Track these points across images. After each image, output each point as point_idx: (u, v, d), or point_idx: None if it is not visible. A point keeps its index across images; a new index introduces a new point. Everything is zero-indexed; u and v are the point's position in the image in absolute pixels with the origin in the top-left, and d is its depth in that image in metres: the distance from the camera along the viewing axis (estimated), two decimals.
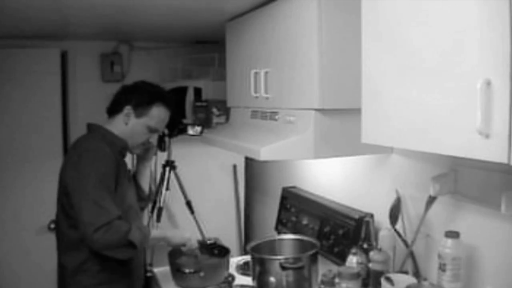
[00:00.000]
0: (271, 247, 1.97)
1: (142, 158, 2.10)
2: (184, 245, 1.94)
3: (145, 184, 2.11)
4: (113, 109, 1.89)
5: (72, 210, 1.70)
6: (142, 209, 2.16)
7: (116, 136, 1.85)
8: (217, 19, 2.34)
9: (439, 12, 1.10)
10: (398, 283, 1.53)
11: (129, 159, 2.05)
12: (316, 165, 2.37)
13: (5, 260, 2.85)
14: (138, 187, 2.08)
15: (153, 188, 2.22)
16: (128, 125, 1.85)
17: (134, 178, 2.09)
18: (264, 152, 1.66)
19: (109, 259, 1.71)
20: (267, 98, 1.94)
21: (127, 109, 1.84)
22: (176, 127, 2.54)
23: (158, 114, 1.88)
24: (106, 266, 1.76)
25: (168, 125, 2.64)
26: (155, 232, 1.91)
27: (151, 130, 1.89)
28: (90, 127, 1.89)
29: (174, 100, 1.97)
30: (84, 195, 1.65)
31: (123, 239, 1.65)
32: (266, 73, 1.93)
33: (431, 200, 1.57)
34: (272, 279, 1.74)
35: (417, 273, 1.64)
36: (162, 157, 2.65)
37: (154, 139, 2.00)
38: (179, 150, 2.72)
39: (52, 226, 2.59)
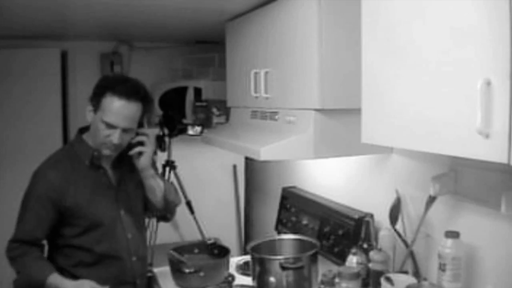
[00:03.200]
0: (271, 247, 1.97)
1: (137, 167, 1.82)
2: None
3: (153, 196, 1.86)
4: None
5: None
6: (162, 218, 2.05)
7: (82, 144, 1.76)
8: (217, 19, 2.34)
9: (439, 12, 1.10)
10: (398, 283, 1.53)
11: None
12: (316, 165, 2.37)
13: (4, 260, 2.85)
14: (146, 198, 1.88)
15: (171, 197, 1.95)
16: (91, 124, 1.73)
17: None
18: (264, 152, 1.66)
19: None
20: (267, 98, 1.94)
21: (88, 106, 1.72)
22: (176, 127, 2.55)
23: (109, 106, 1.66)
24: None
25: (168, 125, 2.63)
26: (51, 280, 1.63)
27: (108, 125, 1.67)
28: (72, 138, 1.87)
29: (133, 90, 1.70)
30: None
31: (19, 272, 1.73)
32: (266, 73, 1.93)
33: (431, 200, 1.57)
34: (272, 279, 1.74)
35: (417, 273, 1.64)
36: (162, 157, 2.65)
37: (115, 138, 1.68)
38: (179, 150, 2.73)
39: None
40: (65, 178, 1.71)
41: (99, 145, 1.71)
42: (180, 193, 2.70)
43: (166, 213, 2.00)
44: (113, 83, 1.70)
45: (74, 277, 1.68)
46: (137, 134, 1.78)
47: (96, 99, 1.69)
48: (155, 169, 1.97)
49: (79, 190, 1.72)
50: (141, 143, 1.78)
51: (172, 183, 2.23)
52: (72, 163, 1.74)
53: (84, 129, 1.81)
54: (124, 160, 1.81)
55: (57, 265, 1.71)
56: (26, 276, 1.70)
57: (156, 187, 1.86)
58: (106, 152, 1.72)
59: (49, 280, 1.62)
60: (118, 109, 1.66)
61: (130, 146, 1.77)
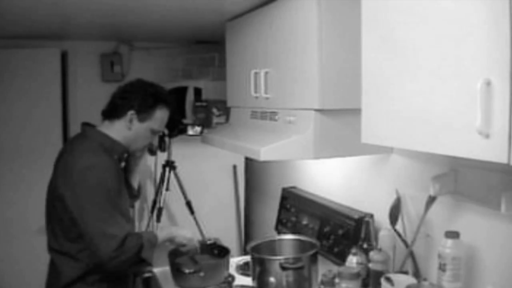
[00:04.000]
0: (271, 247, 1.97)
1: (134, 156, 1.99)
2: (184, 245, 1.92)
3: (135, 181, 2.07)
4: (113, 114, 1.80)
5: (72, 225, 1.66)
6: (132, 206, 2.17)
7: (115, 142, 1.79)
8: (217, 19, 2.34)
9: (439, 12, 1.10)
10: (398, 283, 1.53)
11: None
12: (316, 165, 2.37)
13: (5, 260, 2.85)
14: (128, 185, 2.01)
15: (142, 184, 2.19)
16: (131, 130, 1.79)
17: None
18: (264, 152, 1.66)
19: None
20: (267, 98, 1.94)
21: (130, 114, 1.77)
22: (176, 127, 2.54)
23: (162, 116, 1.83)
24: (105, 276, 1.74)
25: (168, 125, 2.63)
26: (160, 235, 1.82)
27: (154, 132, 1.86)
28: (86, 129, 1.81)
29: (174, 98, 1.94)
30: (91, 219, 1.62)
31: (135, 257, 1.66)
32: (266, 73, 1.93)
33: (431, 200, 1.57)
34: (272, 279, 1.74)
35: (417, 273, 1.64)
36: (162, 157, 2.65)
37: (155, 140, 2.00)
38: (179, 150, 2.72)
39: None
40: (114, 170, 1.75)
41: (138, 149, 1.89)
42: (180, 193, 2.71)
43: (136, 199, 2.19)
44: (164, 95, 1.85)
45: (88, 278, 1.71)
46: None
47: (147, 110, 1.78)
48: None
49: (121, 185, 1.80)
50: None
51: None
52: (108, 157, 1.75)
53: (90, 129, 1.81)
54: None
55: (83, 266, 1.69)
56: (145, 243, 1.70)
57: (138, 172, 2.10)
58: (138, 154, 1.95)
59: (160, 236, 1.81)
60: (166, 118, 1.86)
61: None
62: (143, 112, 1.77)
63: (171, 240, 1.87)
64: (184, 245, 1.92)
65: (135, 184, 2.07)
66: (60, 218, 1.71)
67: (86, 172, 1.64)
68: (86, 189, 1.63)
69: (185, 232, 1.91)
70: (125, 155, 1.85)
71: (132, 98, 1.77)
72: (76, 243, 1.68)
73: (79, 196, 1.63)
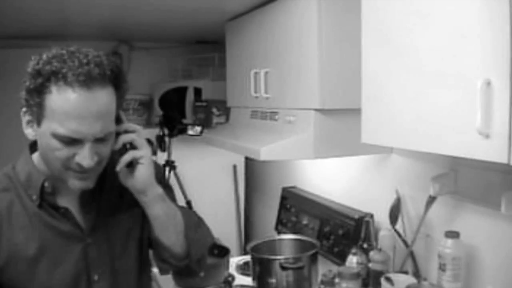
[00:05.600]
0: (271, 247, 1.97)
1: (130, 189, 1.11)
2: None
3: (163, 230, 1.15)
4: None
5: None
6: (187, 273, 1.21)
7: (34, 170, 1.10)
8: (217, 19, 2.34)
9: (439, 12, 1.10)
10: (398, 283, 1.53)
11: None
12: (316, 165, 2.37)
13: None
14: (154, 240, 1.18)
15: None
16: (38, 142, 1.06)
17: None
18: (264, 152, 1.66)
19: None
20: (267, 98, 1.94)
21: (23, 114, 1.06)
22: (176, 127, 2.54)
23: (61, 107, 0.96)
24: None
25: (168, 125, 2.62)
26: None
27: (66, 141, 0.98)
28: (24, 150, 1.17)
29: (94, 69, 0.97)
30: None
31: None
32: (266, 73, 1.93)
33: (431, 200, 1.57)
34: (272, 279, 1.74)
35: (417, 273, 1.64)
36: (162, 157, 2.65)
37: (82, 156, 1.00)
38: (179, 150, 2.72)
39: None
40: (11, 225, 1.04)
41: (59, 174, 1.04)
42: (180, 193, 2.71)
43: (191, 264, 1.24)
44: (53, 66, 0.97)
45: None
46: (117, 134, 1.08)
47: (35, 100, 0.99)
48: (165, 185, 1.23)
49: (18, 247, 1.04)
50: (131, 146, 1.09)
51: (194, 213, 1.49)
52: (11, 201, 1.07)
53: (23, 152, 1.17)
54: (104, 185, 1.14)
55: None
56: None
57: (170, 216, 1.16)
58: (75, 184, 1.04)
59: None
60: (77, 108, 0.96)
61: (114, 157, 1.09)
62: (34, 106, 1.00)
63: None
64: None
65: (169, 242, 1.16)
66: None
67: None
68: None
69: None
70: (46, 184, 1.07)
71: (23, 89, 1.03)
72: None
73: None
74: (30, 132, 1.05)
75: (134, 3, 2.01)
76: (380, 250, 1.69)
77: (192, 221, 1.27)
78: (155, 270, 2.20)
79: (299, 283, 1.73)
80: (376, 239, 1.79)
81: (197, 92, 2.71)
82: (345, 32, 1.63)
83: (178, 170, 2.70)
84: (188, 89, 2.75)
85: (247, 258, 2.11)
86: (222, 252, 2.09)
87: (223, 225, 3.00)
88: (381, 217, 1.81)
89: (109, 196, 1.16)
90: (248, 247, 1.88)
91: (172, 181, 2.70)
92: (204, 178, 2.96)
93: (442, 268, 1.45)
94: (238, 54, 2.25)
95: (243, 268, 2.19)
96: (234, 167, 3.07)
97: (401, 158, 1.79)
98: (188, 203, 2.72)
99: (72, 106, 0.95)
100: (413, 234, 1.64)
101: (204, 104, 2.63)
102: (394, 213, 1.70)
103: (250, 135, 1.98)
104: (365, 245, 1.77)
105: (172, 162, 2.69)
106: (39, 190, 1.06)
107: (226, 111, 2.52)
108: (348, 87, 1.62)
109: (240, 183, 3.09)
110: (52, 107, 0.96)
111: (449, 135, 1.08)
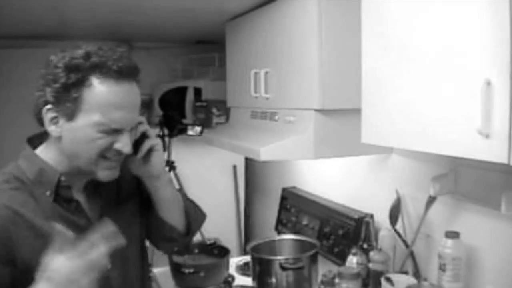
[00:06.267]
0: (271, 247, 1.97)
1: (143, 175, 1.22)
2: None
3: (170, 211, 1.28)
4: (39, 120, 1.11)
5: None
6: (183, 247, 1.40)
7: (46, 167, 1.11)
8: (217, 19, 2.34)
9: (439, 13, 1.10)
10: (398, 283, 1.53)
11: None
12: (316, 165, 2.37)
13: None
14: (160, 222, 1.27)
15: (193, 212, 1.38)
16: (64, 138, 1.07)
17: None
18: (264, 152, 1.66)
19: None
20: (267, 98, 1.94)
21: (47, 112, 1.07)
22: (176, 127, 2.54)
23: (101, 98, 1.03)
24: None
25: (168, 125, 2.61)
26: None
27: (105, 130, 1.05)
28: (21, 151, 1.19)
29: (128, 62, 1.10)
30: None
31: None
32: (266, 73, 1.93)
33: (431, 200, 1.57)
34: (272, 279, 1.74)
35: (417, 273, 1.64)
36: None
37: (123, 143, 1.08)
38: (179, 150, 2.72)
39: None
40: (11, 220, 1.03)
41: (88, 166, 1.09)
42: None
43: (189, 238, 1.38)
44: (94, 59, 1.04)
45: None
46: None
47: (69, 96, 1.03)
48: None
49: (35, 240, 1.04)
50: (145, 136, 1.17)
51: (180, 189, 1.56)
52: (24, 199, 1.07)
53: (34, 140, 1.18)
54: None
55: None
56: None
57: (175, 198, 1.30)
58: (105, 174, 1.10)
59: None
60: (117, 97, 1.05)
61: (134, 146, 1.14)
62: (65, 101, 1.04)
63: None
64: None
65: (174, 221, 1.28)
66: None
67: None
68: None
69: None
70: (63, 179, 1.10)
71: (45, 85, 1.08)
72: None
73: None
74: (54, 129, 1.07)
75: (134, 3, 2.01)
76: (380, 250, 1.69)
77: (189, 200, 1.43)
78: (155, 270, 2.20)
79: (299, 284, 1.73)
80: (376, 239, 1.79)
81: (197, 92, 2.71)
82: (345, 32, 1.63)
83: (178, 170, 2.70)
84: (188, 89, 2.75)
85: (247, 258, 2.11)
86: (222, 252, 2.09)
87: (223, 225, 3.00)
88: (381, 217, 1.81)
89: (110, 187, 1.19)
90: (248, 247, 1.88)
91: (172, 181, 2.70)
92: (204, 178, 2.96)
93: (442, 268, 1.45)
94: (238, 54, 2.25)
95: (243, 268, 2.19)
96: (234, 167, 3.07)
97: (401, 158, 1.79)
98: None
99: (116, 97, 1.04)
100: (413, 234, 1.64)
101: (204, 104, 2.63)
102: (394, 213, 1.70)
103: (250, 135, 1.98)
104: (365, 245, 1.76)
105: (172, 162, 2.69)
106: (55, 185, 1.09)
107: (226, 111, 2.52)
108: (348, 87, 1.62)
109: (240, 183, 3.10)
110: (94, 99, 1.02)
111: (449, 135, 1.08)
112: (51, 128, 1.07)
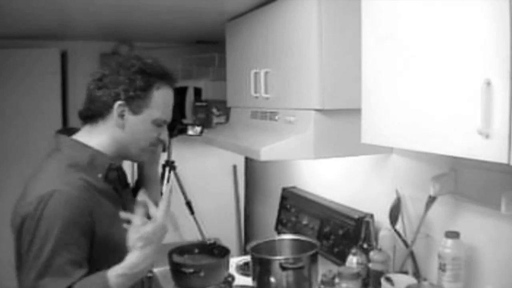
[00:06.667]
0: (271, 247, 1.97)
1: (147, 163, 1.55)
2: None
3: (159, 194, 1.58)
4: (94, 113, 1.32)
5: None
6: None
7: (97, 154, 1.30)
8: (217, 19, 2.34)
9: (439, 13, 1.10)
10: (398, 283, 1.53)
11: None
12: (316, 165, 2.37)
13: (3, 261, 2.84)
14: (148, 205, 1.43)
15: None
16: (125, 128, 1.31)
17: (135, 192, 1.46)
18: (264, 152, 1.66)
19: None
20: (267, 98, 1.94)
21: (118, 106, 1.28)
22: (176, 127, 2.54)
23: (164, 98, 1.34)
24: None
25: (168, 125, 2.62)
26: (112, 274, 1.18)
27: (158, 124, 1.35)
28: (61, 140, 1.34)
29: (173, 74, 1.42)
30: (25, 268, 1.21)
31: None
32: (266, 73, 1.93)
33: (431, 200, 1.57)
34: (272, 279, 1.74)
35: (417, 273, 1.64)
36: (162, 157, 2.64)
37: (165, 134, 1.41)
38: (179, 150, 2.72)
39: None
40: (90, 197, 1.24)
41: (140, 152, 1.37)
42: (180, 193, 2.71)
43: None
44: (160, 68, 1.36)
45: None
46: None
47: (139, 94, 1.29)
48: None
49: (103, 211, 1.27)
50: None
51: None
52: (82, 181, 1.25)
53: (64, 132, 1.37)
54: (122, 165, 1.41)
55: None
56: None
57: (159, 182, 1.68)
58: (147, 157, 1.44)
59: (110, 281, 1.17)
60: (170, 100, 1.38)
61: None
62: (135, 98, 1.29)
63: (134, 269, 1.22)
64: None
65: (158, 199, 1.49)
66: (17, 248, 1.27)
67: (32, 208, 1.18)
68: (28, 231, 1.19)
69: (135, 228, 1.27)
70: (112, 163, 1.33)
71: (116, 84, 1.28)
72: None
73: (29, 233, 1.19)
74: (119, 121, 1.30)
75: (134, 3, 2.01)
76: (380, 250, 1.69)
77: None
78: (155, 270, 2.20)
79: (299, 284, 1.73)
80: (376, 239, 1.79)
81: (197, 92, 2.71)
82: (345, 32, 1.63)
83: (178, 170, 2.70)
84: (188, 89, 2.75)
85: (247, 258, 2.11)
86: (222, 252, 2.09)
87: (223, 225, 3.00)
88: (381, 217, 1.81)
89: (123, 173, 1.42)
90: (248, 247, 1.88)
91: (172, 181, 2.70)
92: (204, 178, 2.96)
93: (442, 268, 1.45)
94: (238, 54, 2.25)
95: (243, 268, 2.19)
96: (234, 167, 3.07)
97: (401, 158, 1.80)
98: (188, 203, 2.72)
99: (170, 99, 1.38)
100: (413, 234, 1.64)
101: (204, 104, 2.63)
102: (394, 213, 1.70)
103: (250, 135, 1.98)
104: (365, 245, 1.77)
105: (172, 162, 2.69)
106: (106, 169, 1.30)
107: (226, 111, 2.52)
108: (348, 87, 1.62)
109: (240, 183, 3.10)
110: (159, 99, 1.32)
111: (449, 135, 1.08)
112: (118, 121, 1.30)
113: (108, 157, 1.32)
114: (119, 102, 1.28)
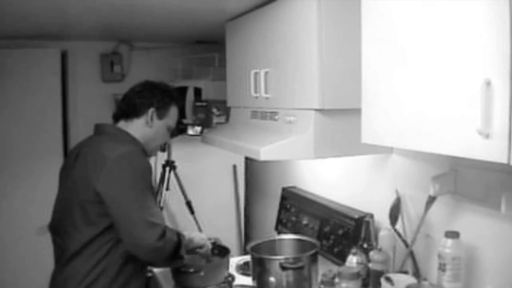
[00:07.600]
0: (271, 247, 1.97)
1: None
2: (201, 247, 1.95)
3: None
4: (132, 113, 1.83)
5: (102, 218, 1.63)
6: None
7: (135, 139, 1.81)
8: (217, 19, 2.34)
9: (439, 12, 1.10)
10: (398, 283, 1.53)
11: None
12: (316, 165, 2.37)
13: (4, 261, 2.85)
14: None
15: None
16: (152, 128, 1.84)
17: None
18: (264, 152, 1.66)
19: (128, 262, 1.68)
20: (267, 98, 1.94)
21: (151, 112, 1.82)
22: (176, 127, 2.54)
23: (175, 113, 1.92)
24: (124, 269, 1.70)
25: None
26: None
27: (169, 130, 1.92)
28: (106, 126, 1.84)
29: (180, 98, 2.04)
30: (133, 206, 1.62)
31: (173, 251, 1.69)
32: (266, 73, 1.93)
33: (431, 200, 1.57)
34: (272, 279, 1.74)
35: (417, 273, 1.64)
36: (162, 157, 2.65)
37: (169, 139, 2.02)
38: (179, 150, 2.72)
39: None
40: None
41: (156, 148, 1.93)
42: (180, 193, 2.71)
43: None
44: (175, 93, 1.97)
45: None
46: None
47: (164, 107, 1.87)
48: None
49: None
50: None
51: None
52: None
53: (110, 128, 1.84)
54: None
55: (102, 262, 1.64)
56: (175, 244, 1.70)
57: None
58: (155, 154, 1.98)
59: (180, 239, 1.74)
60: (177, 116, 1.96)
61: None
62: (162, 109, 1.86)
63: (188, 244, 1.86)
64: (201, 247, 1.95)
65: None
66: (83, 211, 1.64)
67: (123, 160, 1.66)
68: (126, 176, 1.64)
69: (200, 235, 2.01)
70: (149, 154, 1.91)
71: (151, 96, 1.84)
72: (95, 242, 1.64)
73: (118, 184, 1.63)
74: (149, 122, 1.83)
75: (134, 3, 2.01)
76: (380, 250, 1.69)
77: None
78: (155, 270, 2.21)
79: (299, 283, 1.73)
80: (376, 239, 1.79)
81: (197, 92, 2.71)
82: (345, 32, 1.63)
83: (178, 170, 2.71)
84: (188, 89, 2.75)
85: (247, 258, 2.11)
86: (222, 252, 2.09)
87: (223, 225, 3.00)
88: (381, 217, 1.81)
89: None
90: (248, 247, 1.88)
91: (172, 181, 2.70)
92: (204, 178, 2.96)
93: (442, 268, 1.45)
94: (238, 54, 2.25)
95: (243, 268, 2.19)
96: (234, 167, 3.07)
97: (401, 158, 1.80)
98: (188, 203, 2.72)
99: (177, 114, 1.95)
100: (413, 234, 1.64)
101: (204, 104, 2.63)
102: (394, 213, 1.70)
103: (250, 135, 1.98)
104: (365, 245, 1.77)
105: (172, 162, 2.70)
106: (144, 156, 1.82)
107: (226, 111, 2.52)
108: (348, 87, 1.62)
109: (240, 183, 3.10)
110: (173, 112, 1.91)
111: (449, 135, 1.08)
112: (149, 121, 1.83)
113: (141, 144, 1.82)
114: (152, 109, 1.83)
